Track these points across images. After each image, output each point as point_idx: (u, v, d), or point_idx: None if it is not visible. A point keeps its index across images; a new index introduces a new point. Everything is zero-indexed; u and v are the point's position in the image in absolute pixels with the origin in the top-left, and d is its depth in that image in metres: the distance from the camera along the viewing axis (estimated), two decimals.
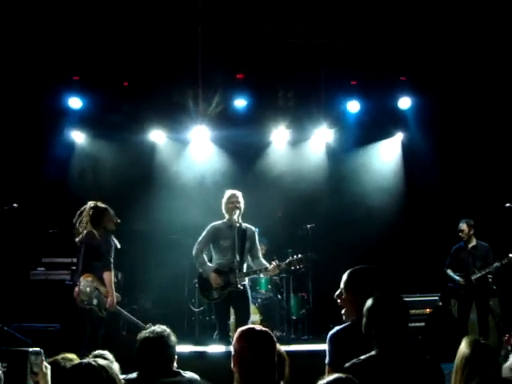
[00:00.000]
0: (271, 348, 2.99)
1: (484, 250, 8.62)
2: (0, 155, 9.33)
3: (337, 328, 3.65)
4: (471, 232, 8.66)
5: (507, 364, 3.52)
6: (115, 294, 6.51)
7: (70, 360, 3.57)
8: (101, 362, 2.63)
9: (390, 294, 3.32)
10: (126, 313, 6.41)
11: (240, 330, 3.08)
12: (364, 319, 3.27)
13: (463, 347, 3.28)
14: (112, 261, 6.55)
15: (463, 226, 8.69)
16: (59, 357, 3.58)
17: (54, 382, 3.31)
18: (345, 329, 3.58)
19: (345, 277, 3.77)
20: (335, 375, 2.58)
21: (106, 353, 3.43)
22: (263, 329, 3.07)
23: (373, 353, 3.16)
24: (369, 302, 3.28)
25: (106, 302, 6.46)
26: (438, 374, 3.18)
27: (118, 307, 6.52)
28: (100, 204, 6.67)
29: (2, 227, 6.64)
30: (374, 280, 3.67)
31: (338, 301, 3.71)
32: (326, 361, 3.57)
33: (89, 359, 2.66)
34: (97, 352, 3.43)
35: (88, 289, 6.44)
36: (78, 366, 2.62)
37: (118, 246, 6.65)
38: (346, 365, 3.10)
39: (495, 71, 9.25)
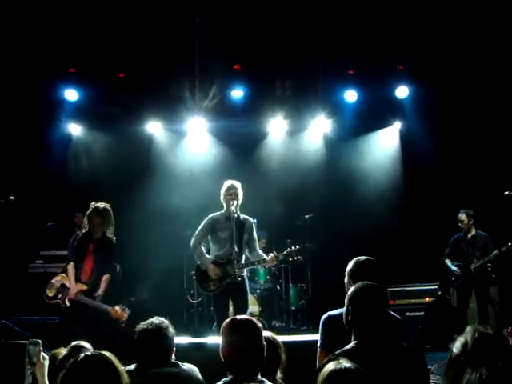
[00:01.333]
0: (253, 337, 3.00)
1: (483, 239, 8.61)
2: None
3: (330, 313, 3.71)
4: (470, 222, 8.65)
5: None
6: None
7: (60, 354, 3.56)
8: (106, 353, 2.63)
9: (368, 283, 3.30)
10: (92, 301, 6.38)
11: (224, 322, 3.10)
12: (344, 308, 3.29)
13: (466, 335, 3.25)
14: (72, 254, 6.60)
15: (462, 216, 8.67)
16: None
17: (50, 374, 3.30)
18: (338, 314, 3.59)
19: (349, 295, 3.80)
20: (342, 364, 2.54)
21: (85, 343, 3.42)
22: (246, 318, 3.09)
23: (348, 346, 3.13)
24: (349, 291, 3.29)
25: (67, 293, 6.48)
26: (419, 363, 3.13)
27: (83, 297, 6.45)
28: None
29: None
30: (376, 270, 3.68)
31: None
32: (318, 344, 3.62)
33: (92, 352, 2.65)
34: (75, 343, 3.42)
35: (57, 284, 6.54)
36: (86, 357, 2.60)
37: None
38: (323, 361, 3.08)
39: (493, 59, 9.21)
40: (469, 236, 8.68)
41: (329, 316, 3.75)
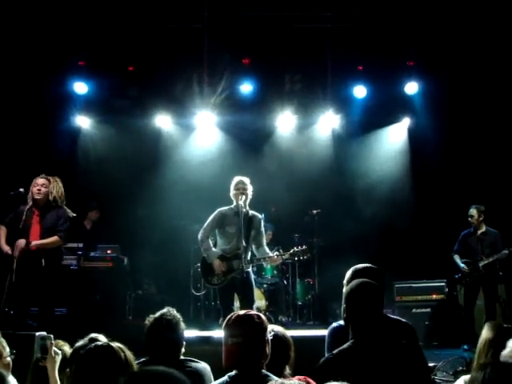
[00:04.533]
0: (252, 332, 3.00)
1: (493, 236, 8.54)
2: (6, 141, 9.34)
3: (337, 323, 3.70)
4: (481, 218, 8.56)
5: (506, 352, 3.42)
6: None
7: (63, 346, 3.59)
8: (117, 344, 2.66)
9: (364, 281, 3.29)
10: None
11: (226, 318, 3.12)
12: (342, 307, 3.30)
13: (486, 331, 3.27)
14: None
15: (473, 211, 8.59)
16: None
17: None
18: (344, 327, 3.59)
19: (348, 274, 3.79)
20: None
21: (101, 336, 3.43)
22: (247, 313, 3.09)
23: (345, 345, 3.13)
24: (346, 290, 3.30)
25: None
26: (418, 360, 3.11)
27: None
28: None
29: (8, 212, 6.65)
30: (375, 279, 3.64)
31: None
32: (326, 352, 3.62)
33: (104, 342, 2.68)
34: (93, 335, 3.44)
35: None
36: (96, 347, 2.63)
37: None
38: (320, 361, 3.10)
39: (503, 55, 9.16)
40: (479, 232, 8.61)
41: (336, 326, 3.75)
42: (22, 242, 6.43)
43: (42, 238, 6.59)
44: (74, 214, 6.89)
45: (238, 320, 3.05)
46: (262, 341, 3.02)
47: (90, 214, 9.65)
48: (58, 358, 3.45)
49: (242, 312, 3.13)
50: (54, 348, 3.44)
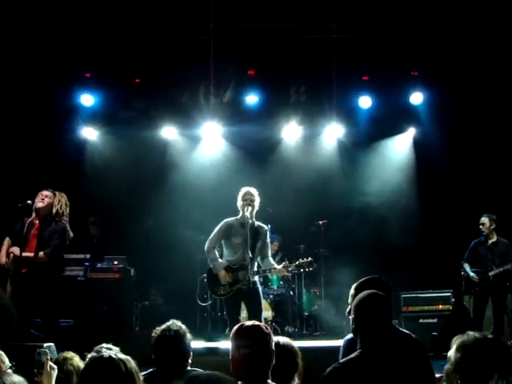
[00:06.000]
0: (259, 343, 2.99)
1: (504, 246, 8.50)
2: (13, 152, 9.40)
3: (351, 336, 3.70)
4: (492, 227, 8.53)
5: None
6: None
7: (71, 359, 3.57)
8: (120, 355, 2.65)
9: (372, 292, 3.31)
10: None
11: (233, 328, 3.11)
12: (350, 318, 3.30)
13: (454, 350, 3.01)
14: None
15: (485, 220, 8.54)
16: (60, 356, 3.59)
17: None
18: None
19: (351, 291, 3.79)
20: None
21: (112, 347, 3.43)
22: (254, 324, 3.08)
23: (353, 355, 3.13)
24: (355, 301, 3.30)
25: None
26: (425, 370, 3.12)
27: None
28: None
29: (16, 224, 6.67)
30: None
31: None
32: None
33: (109, 352, 2.67)
34: (104, 346, 3.43)
35: None
36: (97, 359, 2.63)
37: None
38: (327, 370, 3.09)
39: (508, 64, 9.16)
40: (489, 242, 8.57)
41: (350, 338, 3.75)
42: (16, 250, 6.44)
43: (37, 250, 6.55)
44: (72, 235, 6.86)
45: (246, 331, 3.04)
46: (270, 351, 3.02)
47: (91, 228, 9.69)
48: (54, 373, 3.41)
49: (250, 323, 3.13)
50: (49, 363, 3.40)
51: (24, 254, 6.41)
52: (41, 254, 6.55)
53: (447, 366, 2.94)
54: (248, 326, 3.07)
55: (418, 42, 9.32)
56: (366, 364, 3.02)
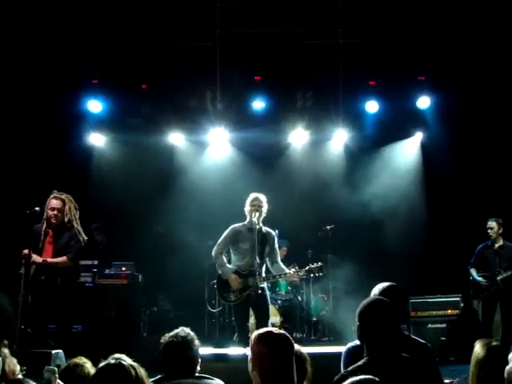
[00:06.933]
0: (290, 351, 2.95)
1: (510, 250, 8.48)
2: (21, 159, 9.44)
3: (354, 342, 3.68)
4: (500, 231, 8.51)
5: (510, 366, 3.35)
6: None
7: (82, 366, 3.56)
8: (130, 361, 2.65)
9: (377, 298, 3.31)
10: None
11: (257, 332, 3.02)
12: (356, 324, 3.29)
13: (477, 350, 3.21)
14: None
15: (493, 223, 8.53)
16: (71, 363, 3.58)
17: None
18: (359, 347, 3.58)
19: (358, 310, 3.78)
20: (359, 377, 2.53)
21: (124, 356, 3.42)
22: (281, 332, 3.04)
23: (360, 362, 3.12)
24: (359, 307, 3.29)
25: None
26: (434, 377, 3.13)
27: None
28: None
29: (24, 231, 6.71)
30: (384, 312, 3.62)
31: None
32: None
33: (118, 359, 2.67)
34: (116, 356, 3.42)
35: None
36: (107, 365, 2.63)
37: None
38: (335, 378, 3.07)
39: None
40: (496, 246, 8.56)
41: (351, 347, 3.72)
42: (38, 258, 6.53)
43: (54, 257, 6.69)
44: (86, 237, 6.94)
45: (277, 337, 2.95)
46: (293, 363, 2.94)
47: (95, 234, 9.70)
48: None
49: (274, 329, 3.05)
50: (58, 381, 3.38)
51: (49, 260, 6.59)
52: (64, 258, 6.68)
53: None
54: (279, 333, 2.97)
55: (425, 46, 9.31)
56: (374, 371, 3.01)
